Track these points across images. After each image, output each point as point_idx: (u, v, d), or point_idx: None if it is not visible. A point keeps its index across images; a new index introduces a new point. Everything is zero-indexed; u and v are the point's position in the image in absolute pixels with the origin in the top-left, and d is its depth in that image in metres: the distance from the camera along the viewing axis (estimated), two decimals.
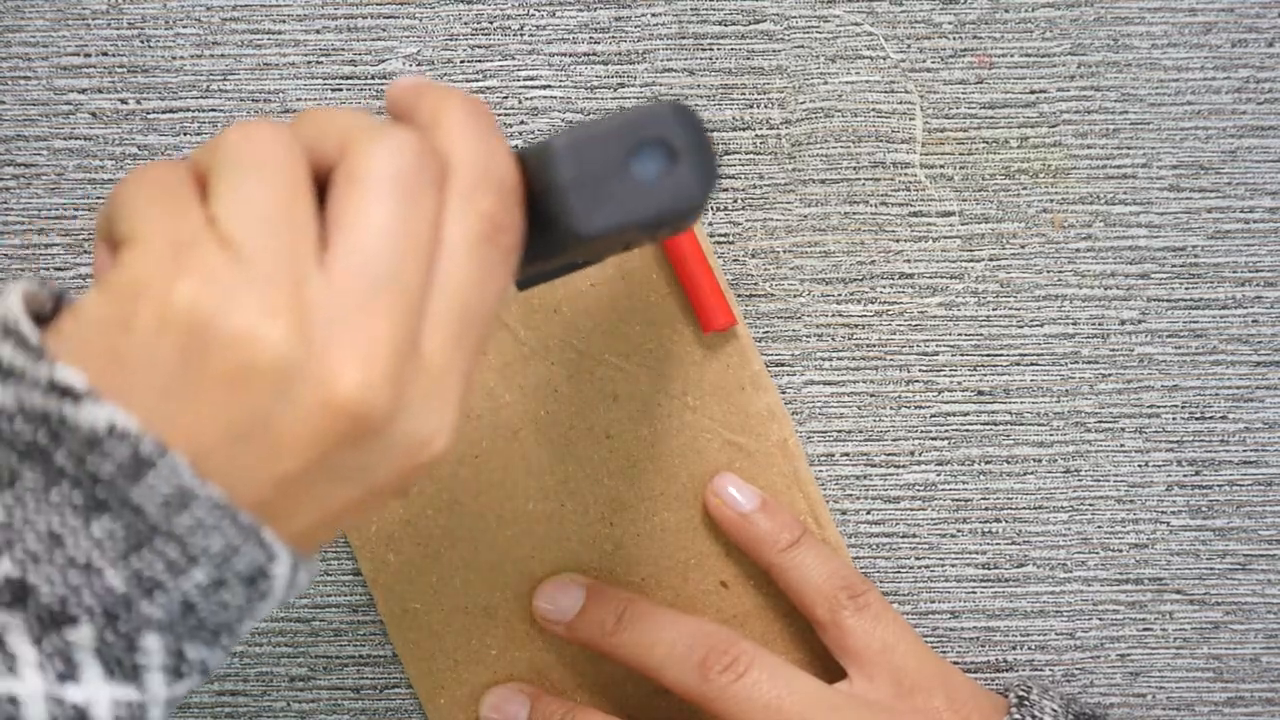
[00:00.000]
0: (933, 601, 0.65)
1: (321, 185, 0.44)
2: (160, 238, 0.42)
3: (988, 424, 0.65)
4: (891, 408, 0.64)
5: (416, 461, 0.44)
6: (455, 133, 0.45)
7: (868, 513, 0.65)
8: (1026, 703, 0.60)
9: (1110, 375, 0.65)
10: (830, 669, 0.62)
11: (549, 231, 0.47)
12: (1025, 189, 0.64)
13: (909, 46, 0.63)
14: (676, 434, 0.63)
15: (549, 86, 0.63)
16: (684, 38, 0.63)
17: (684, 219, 0.48)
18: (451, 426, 0.44)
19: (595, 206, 0.46)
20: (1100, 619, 0.65)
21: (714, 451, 0.63)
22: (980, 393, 0.65)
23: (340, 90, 0.63)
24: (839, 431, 0.65)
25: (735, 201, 0.64)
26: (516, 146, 0.47)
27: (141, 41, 0.63)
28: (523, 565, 0.63)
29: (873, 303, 0.64)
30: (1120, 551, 0.65)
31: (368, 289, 0.43)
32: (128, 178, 0.45)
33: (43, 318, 0.45)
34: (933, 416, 0.65)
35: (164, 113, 0.63)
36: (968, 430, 0.65)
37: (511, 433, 0.63)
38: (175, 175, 0.44)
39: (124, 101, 0.63)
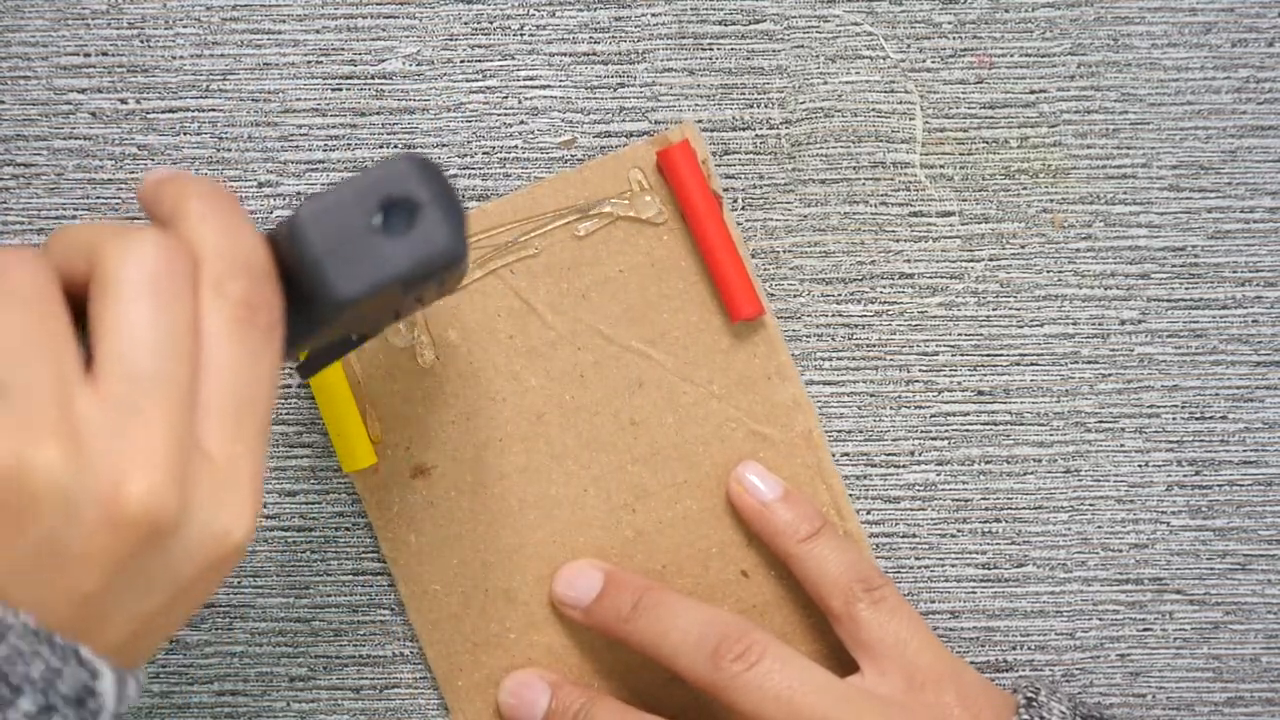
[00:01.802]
0: (933, 601, 0.65)
1: (81, 300, 0.45)
2: None
3: (988, 424, 0.65)
4: (891, 408, 0.65)
5: (218, 556, 0.44)
6: (197, 222, 0.46)
7: (868, 513, 0.65)
8: (1035, 703, 0.60)
9: (1110, 375, 0.65)
10: (846, 662, 0.62)
11: (311, 304, 0.47)
12: (1025, 189, 0.64)
13: (909, 46, 0.63)
14: (701, 422, 0.64)
15: (549, 86, 0.63)
16: (684, 38, 0.63)
17: (444, 271, 0.48)
18: (248, 517, 0.45)
19: (348, 271, 0.47)
20: (1100, 619, 0.65)
21: (738, 440, 0.64)
22: (980, 393, 0.65)
23: (340, 90, 0.63)
24: (839, 431, 0.65)
25: (735, 201, 0.64)
26: (274, 226, 0.48)
27: (141, 41, 0.63)
28: (544, 549, 0.64)
29: (873, 303, 0.64)
30: (1120, 551, 0.65)
31: (137, 393, 0.43)
32: None
33: None
34: (933, 416, 0.65)
35: (164, 112, 0.63)
36: (968, 430, 0.65)
37: (536, 417, 0.63)
38: None
39: (124, 101, 0.63)
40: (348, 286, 0.47)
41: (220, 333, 0.45)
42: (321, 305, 0.47)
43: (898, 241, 0.64)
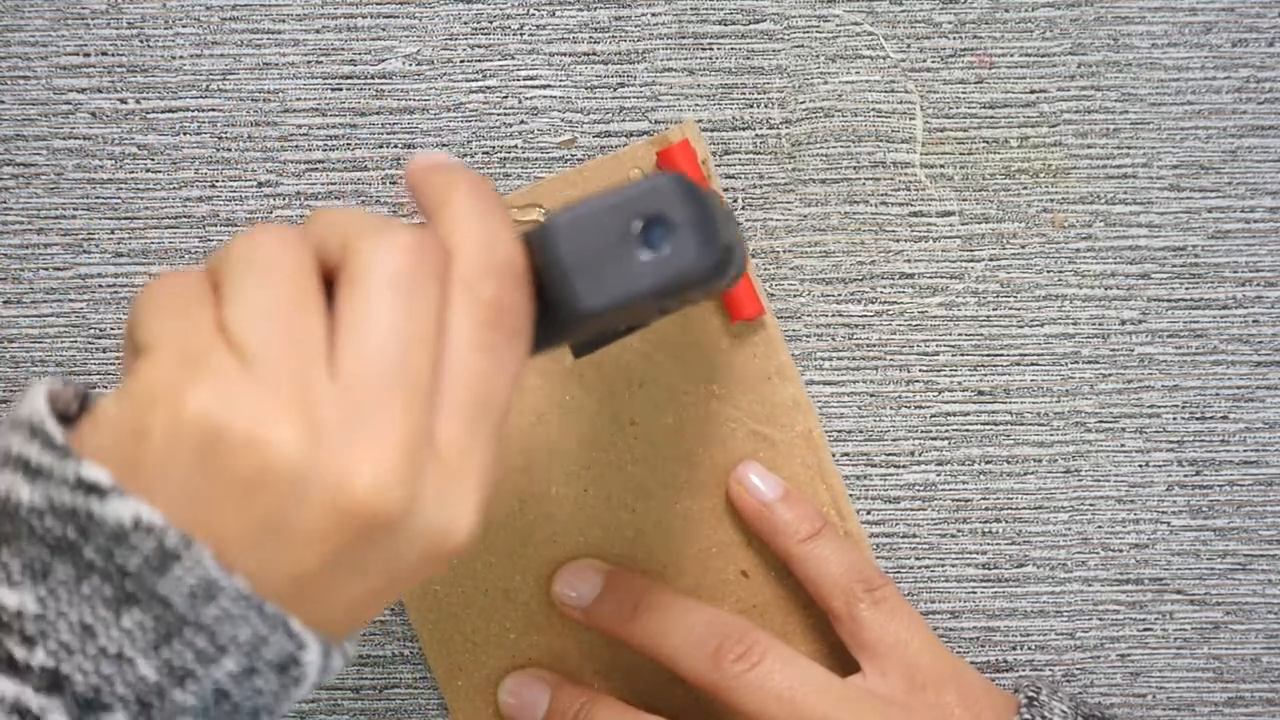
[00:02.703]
0: (933, 601, 0.65)
1: (331, 284, 0.45)
2: (173, 346, 0.43)
3: (988, 424, 0.65)
4: (891, 408, 0.64)
5: (438, 552, 0.45)
6: (458, 218, 0.46)
7: (868, 513, 0.65)
8: (1036, 703, 0.60)
9: (1110, 375, 0.65)
10: (847, 662, 0.62)
11: (555, 310, 0.48)
12: (1025, 189, 0.64)
13: (909, 46, 0.63)
14: (701, 422, 0.64)
15: (549, 86, 0.63)
16: (684, 38, 0.63)
17: (695, 288, 0.48)
18: (472, 516, 0.45)
19: (595, 284, 0.47)
20: (1100, 619, 0.65)
21: (738, 440, 0.64)
22: (980, 393, 0.65)
23: (340, 90, 0.63)
24: (839, 431, 0.65)
25: (735, 201, 0.64)
26: (528, 229, 0.48)
27: (141, 41, 0.63)
28: (544, 549, 0.64)
29: (873, 303, 0.64)
30: (1120, 551, 0.65)
31: (376, 388, 0.43)
32: (147, 286, 0.46)
33: (68, 417, 0.46)
34: (933, 416, 0.65)
35: (164, 112, 0.63)
36: (968, 430, 0.65)
37: (536, 417, 0.63)
38: (190, 283, 0.45)
39: (123, 101, 0.63)
40: (592, 299, 0.47)
41: (465, 333, 0.45)
42: (566, 314, 0.47)
43: (898, 241, 0.64)
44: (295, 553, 0.43)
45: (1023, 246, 0.64)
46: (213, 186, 0.63)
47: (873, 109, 0.64)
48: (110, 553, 0.43)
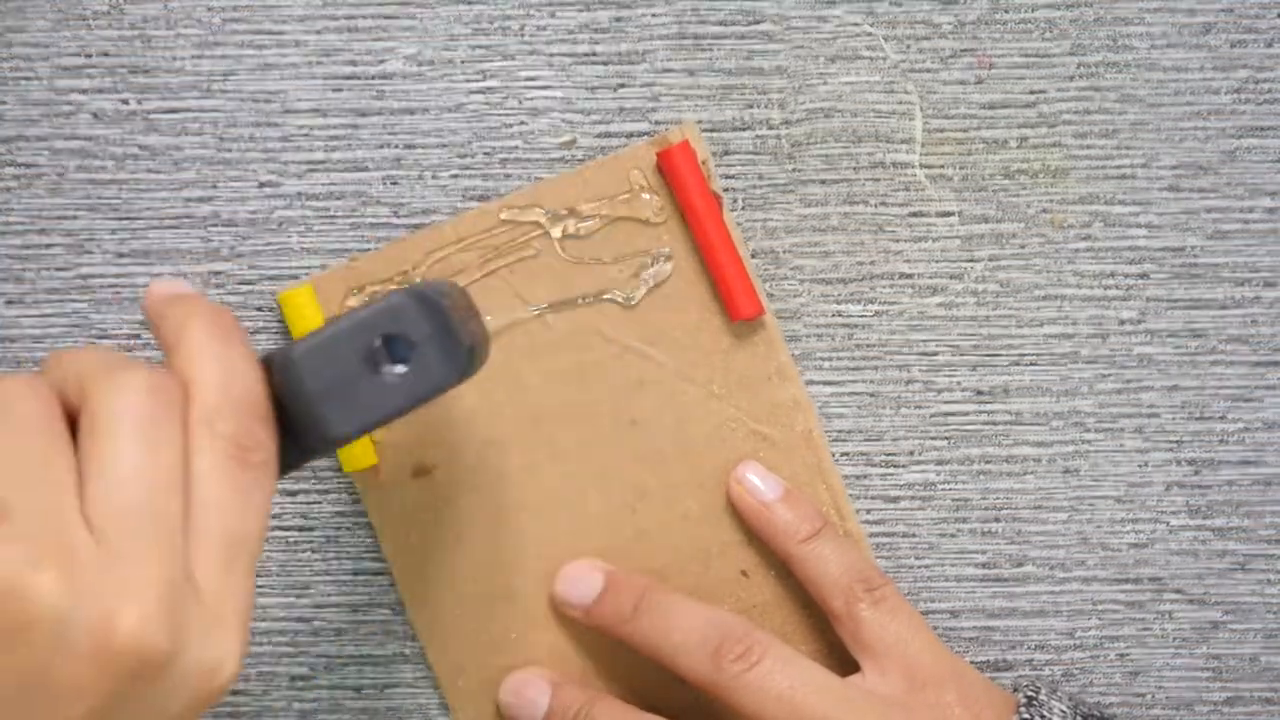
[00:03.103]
0: (932, 601, 0.65)
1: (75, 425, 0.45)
2: None
3: (987, 424, 0.65)
4: (891, 408, 0.65)
5: (206, 691, 0.45)
6: (195, 354, 0.46)
7: (868, 512, 0.65)
8: (1035, 702, 0.60)
9: (1110, 375, 0.65)
10: (847, 662, 0.62)
11: (305, 435, 0.48)
12: (1025, 189, 0.64)
13: (909, 46, 0.63)
14: (702, 422, 0.64)
15: (549, 86, 0.63)
16: (684, 38, 0.63)
17: (443, 393, 0.49)
18: (236, 652, 0.45)
19: (344, 411, 0.47)
20: (1099, 618, 0.65)
21: (739, 440, 0.64)
22: (980, 392, 0.65)
23: (341, 90, 0.63)
24: (839, 431, 0.65)
25: (735, 201, 0.64)
26: (264, 355, 0.48)
27: (142, 42, 0.63)
28: (544, 549, 0.64)
29: (873, 303, 0.64)
30: (1119, 551, 0.65)
31: (129, 531, 0.43)
32: None
33: None
34: (932, 416, 0.65)
35: (165, 113, 0.63)
36: (967, 430, 0.65)
37: (536, 417, 0.63)
38: None
39: (125, 102, 0.63)
40: (342, 427, 0.47)
41: (211, 471, 0.45)
42: (316, 441, 0.47)
43: (898, 241, 0.64)
44: (63, 704, 0.43)
45: (1022, 247, 0.64)
46: (214, 187, 0.63)
47: (872, 109, 0.64)
48: None
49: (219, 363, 0.46)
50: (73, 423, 0.45)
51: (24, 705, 0.43)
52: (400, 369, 0.48)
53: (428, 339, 0.48)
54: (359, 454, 0.62)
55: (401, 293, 0.48)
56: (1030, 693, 0.61)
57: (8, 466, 0.43)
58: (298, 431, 0.48)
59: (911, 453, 0.65)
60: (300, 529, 0.64)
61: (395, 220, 0.64)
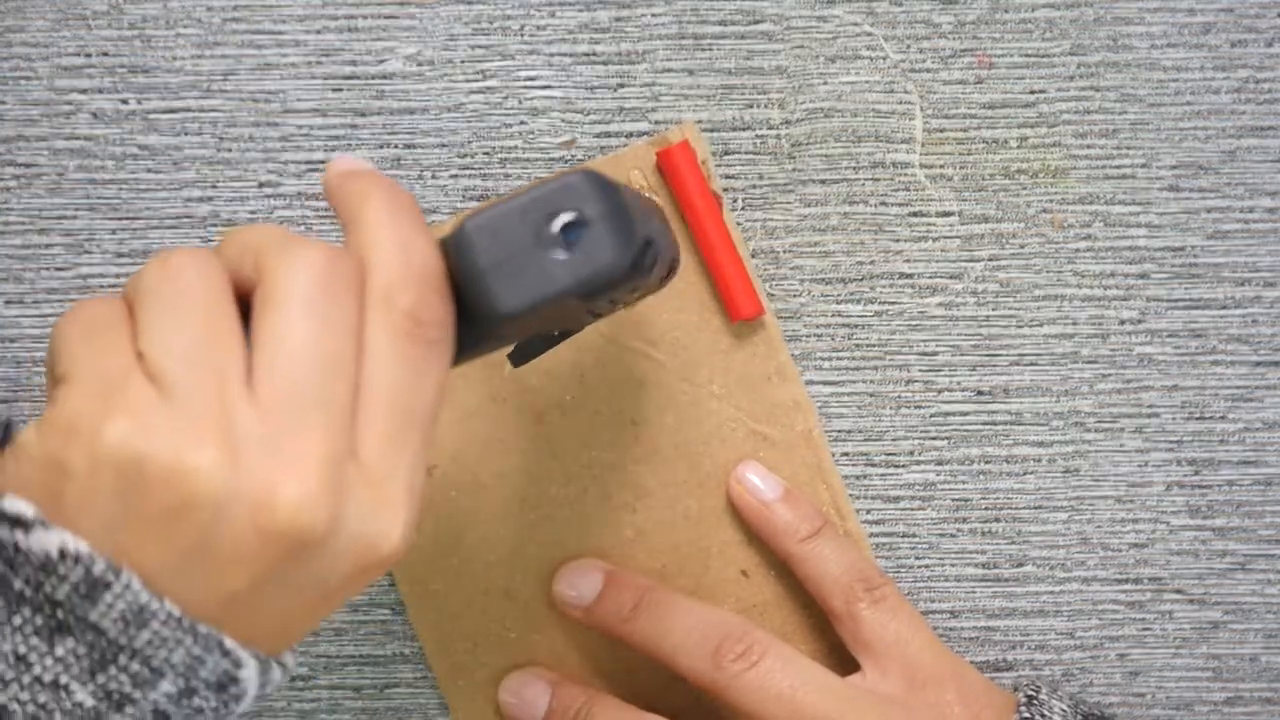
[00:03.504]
0: (932, 601, 0.65)
1: (248, 303, 0.45)
2: (90, 377, 0.44)
3: (987, 424, 0.65)
4: (891, 408, 0.65)
5: (367, 564, 0.45)
6: (373, 229, 0.46)
7: (868, 512, 0.65)
8: (1036, 702, 0.60)
9: (1110, 375, 0.65)
10: (847, 662, 0.62)
11: (476, 316, 0.47)
12: (1025, 189, 0.64)
13: (909, 46, 0.63)
14: (702, 422, 0.64)
15: (549, 86, 0.63)
16: (684, 38, 0.63)
17: (617, 286, 0.48)
18: (400, 526, 0.45)
19: (512, 286, 0.46)
20: (1100, 618, 0.65)
21: (739, 440, 0.64)
22: (980, 392, 0.65)
23: (341, 90, 0.63)
24: (839, 431, 0.65)
25: (735, 201, 0.64)
26: (447, 234, 0.48)
27: (142, 42, 0.63)
28: (544, 549, 0.64)
29: (873, 303, 0.64)
30: (1120, 551, 0.65)
31: (295, 407, 0.43)
32: (64, 316, 0.46)
33: None
34: (932, 416, 0.65)
35: (164, 113, 0.63)
36: (967, 430, 0.65)
37: (537, 416, 0.63)
38: (106, 312, 0.45)
39: (125, 102, 0.63)
40: (510, 302, 0.46)
41: (384, 346, 0.45)
42: (486, 318, 0.47)
43: (898, 241, 0.64)
44: (224, 575, 0.43)
45: (1022, 247, 0.64)
46: (214, 187, 0.63)
47: (872, 109, 0.64)
48: (39, 584, 0.43)
49: (397, 237, 0.46)
50: (247, 298, 0.45)
51: (188, 574, 0.43)
52: (573, 249, 0.47)
53: (600, 219, 0.47)
54: None
55: (579, 172, 0.48)
56: (1030, 692, 0.61)
57: (174, 343, 0.43)
58: (471, 310, 0.47)
59: (911, 453, 0.65)
60: None
61: None
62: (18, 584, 0.43)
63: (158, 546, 0.43)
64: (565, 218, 0.47)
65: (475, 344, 0.49)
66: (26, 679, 0.43)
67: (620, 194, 0.48)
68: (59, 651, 0.43)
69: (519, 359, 0.54)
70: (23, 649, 0.43)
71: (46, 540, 0.43)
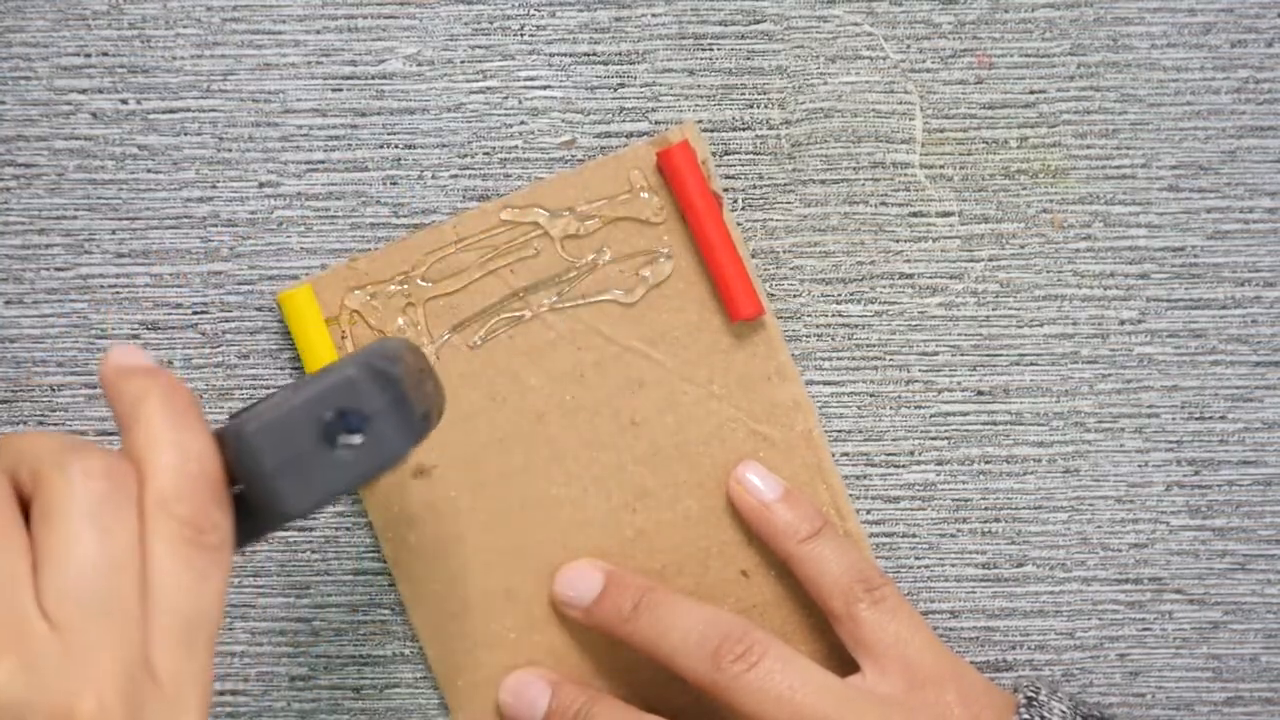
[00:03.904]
0: (932, 601, 0.65)
1: (27, 511, 0.45)
2: None
3: (987, 424, 0.65)
4: (891, 408, 0.65)
5: None
6: (149, 433, 0.46)
7: (868, 512, 0.65)
8: (1035, 703, 0.60)
9: (1110, 375, 0.65)
10: (847, 662, 0.62)
11: (260, 510, 0.47)
12: (1025, 189, 0.64)
13: (909, 46, 0.63)
14: (702, 422, 0.64)
15: (549, 86, 0.63)
16: (684, 38, 0.63)
17: (399, 464, 0.49)
18: None
19: (300, 487, 0.47)
20: (1100, 619, 0.65)
21: (739, 440, 0.64)
22: (980, 393, 0.65)
23: (341, 90, 0.63)
24: (839, 431, 0.65)
25: (735, 201, 0.64)
26: (217, 430, 0.48)
27: (142, 42, 0.63)
28: (544, 549, 0.64)
29: (873, 303, 0.64)
30: (1120, 551, 0.65)
31: (86, 621, 0.43)
32: None
33: None
34: (932, 416, 0.65)
35: (164, 113, 0.63)
36: (967, 430, 0.65)
37: (537, 417, 0.63)
38: None
39: (124, 102, 0.63)
40: (298, 503, 0.47)
41: (166, 555, 0.45)
42: (273, 516, 0.47)
43: (898, 241, 0.64)
44: None
45: (1022, 247, 0.64)
46: (214, 187, 0.63)
47: (873, 109, 0.64)
48: None
49: (174, 445, 0.46)
50: (26, 509, 0.45)
51: None
52: (356, 440, 0.47)
53: (382, 412, 0.47)
54: None
55: (353, 365, 0.48)
56: (1030, 693, 0.61)
57: None
58: (253, 506, 0.47)
59: (911, 453, 0.65)
60: (300, 529, 0.64)
61: (395, 220, 0.64)
62: None
63: None
64: (349, 416, 0.47)
65: (256, 535, 0.49)
66: None
67: (396, 380, 0.48)
68: None
69: (241, 545, 0.54)
70: None
71: None
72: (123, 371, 0.48)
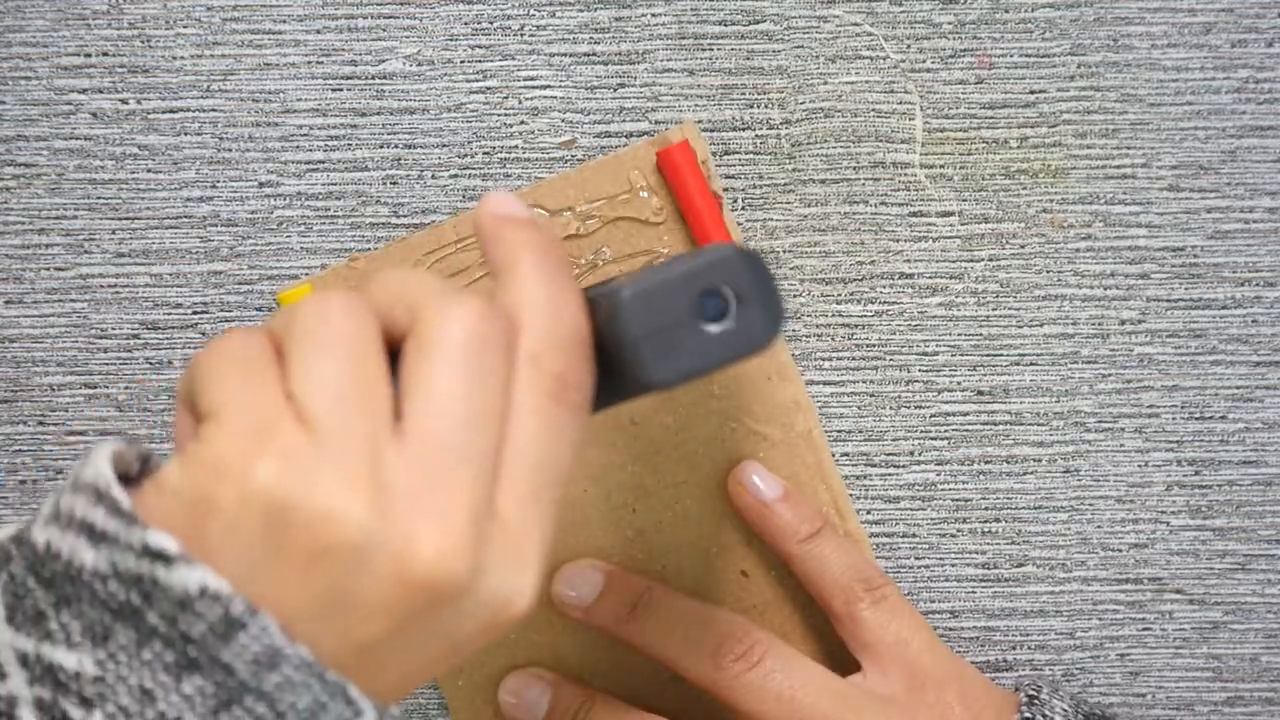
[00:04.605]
0: (933, 601, 0.65)
1: (396, 350, 0.45)
2: (240, 415, 0.43)
3: (987, 424, 0.65)
4: (891, 408, 0.65)
5: (498, 621, 0.45)
6: (526, 286, 0.46)
7: (868, 513, 0.65)
8: (1037, 701, 0.60)
9: (1110, 375, 0.65)
10: (847, 662, 0.62)
11: (620, 378, 0.48)
12: (1025, 189, 0.64)
13: (909, 46, 0.63)
14: (702, 422, 0.64)
15: (549, 86, 0.63)
16: (684, 38, 0.63)
17: (752, 356, 0.49)
18: (532, 585, 0.45)
19: (666, 358, 0.47)
20: (1100, 619, 0.65)
21: (739, 440, 0.64)
22: (980, 393, 0.65)
23: (341, 90, 0.63)
24: (839, 431, 0.65)
25: (735, 201, 0.64)
26: (587, 290, 0.48)
27: (142, 41, 0.63)
28: None
29: (873, 303, 0.64)
30: (1120, 551, 0.65)
31: (442, 458, 0.43)
32: (209, 347, 0.46)
33: (129, 477, 0.46)
34: (932, 416, 0.65)
35: (164, 113, 0.63)
36: (967, 430, 0.65)
37: None
38: (255, 348, 0.45)
39: (124, 101, 0.63)
40: (664, 374, 0.47)
41: (530, 406, 0.45)
42: (633, 385, 0.47)
43: (898, 241, 0.64)
44: (360, 623, 0.43)
45: (1022, 247, 0.64)
46: (214, 187, 0.63)
47: (873, 109, 0.64)
48: (174, 619, 0.43)
49: (549, 297, 0.46)
50: (395, 345, 0.45)
51: (325, 621, 0.43)
52: (725, 322, 0.47)
53: (754, 296, 0.48)
54: None
55: (729, 247, 0.48)
56: (1032, 692, 0.61)
57: (325, 386, 0.43)
58: (615, 372, 0.48)
59: (911, 453, 0.65)
60: None
61: (395, 220, 0.64)
62: (151, 617, 0.43)
63: (297, 591, 0.43)
64: (724, 293, 0.48)
65: (610, 401, 0.49)
66: (150, 713, 0.43)
67: (767, 269, 0.48)
68: (186, 689, 0.43)
69: (599, 407, 0.54)
70: (149, 683, 0.43)
71: (188, 577, 0.42)
72: (502, 220, 0.48)
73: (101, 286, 0.64)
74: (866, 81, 0.63)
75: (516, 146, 0.63)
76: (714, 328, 0.47)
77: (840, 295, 0.64)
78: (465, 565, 0.43)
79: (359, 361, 0.44)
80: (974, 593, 0.65)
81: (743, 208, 0.64)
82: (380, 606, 0.43)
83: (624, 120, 0.63)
